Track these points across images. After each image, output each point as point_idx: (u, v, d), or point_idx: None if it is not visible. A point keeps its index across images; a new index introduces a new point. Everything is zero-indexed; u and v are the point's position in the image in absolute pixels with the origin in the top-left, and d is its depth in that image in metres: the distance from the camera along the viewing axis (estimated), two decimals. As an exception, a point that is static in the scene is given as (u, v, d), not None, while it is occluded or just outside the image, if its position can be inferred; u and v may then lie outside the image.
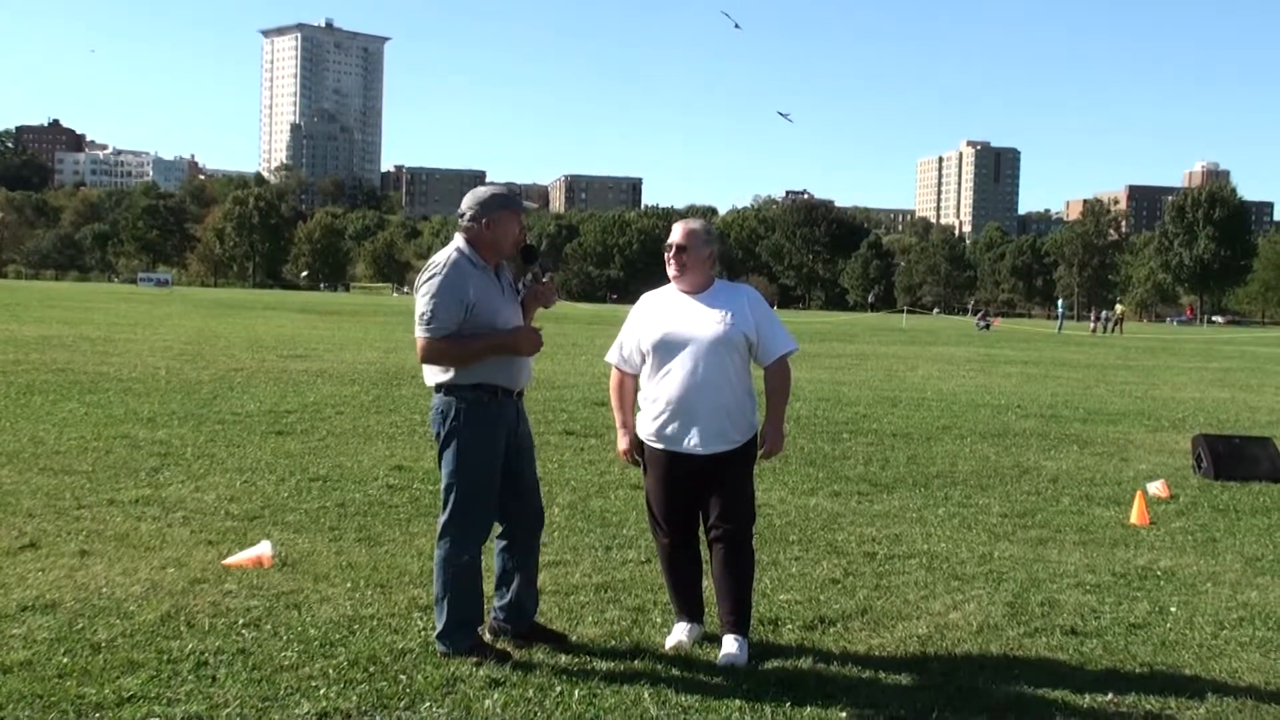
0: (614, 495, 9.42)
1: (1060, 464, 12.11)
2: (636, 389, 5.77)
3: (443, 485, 5.43)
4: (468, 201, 5.50)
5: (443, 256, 5.39)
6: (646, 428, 5.68)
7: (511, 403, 5.53)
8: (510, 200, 5.55)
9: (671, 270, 5.64)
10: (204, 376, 17.78)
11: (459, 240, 5.47)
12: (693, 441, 5.53)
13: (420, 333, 5.30)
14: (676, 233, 5.66)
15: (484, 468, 5.39)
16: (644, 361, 5.68)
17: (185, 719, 4.52)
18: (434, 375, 5.42)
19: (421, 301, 5.31)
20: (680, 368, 5.53)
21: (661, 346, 5.58)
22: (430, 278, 5.33)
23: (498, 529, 5.61)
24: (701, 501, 5.64)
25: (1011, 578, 7.22)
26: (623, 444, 5.79)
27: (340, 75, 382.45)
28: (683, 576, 5.77)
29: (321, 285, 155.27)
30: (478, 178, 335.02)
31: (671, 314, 5.61)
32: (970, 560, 7.66)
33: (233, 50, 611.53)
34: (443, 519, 5.42)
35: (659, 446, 5.65)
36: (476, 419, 5.36)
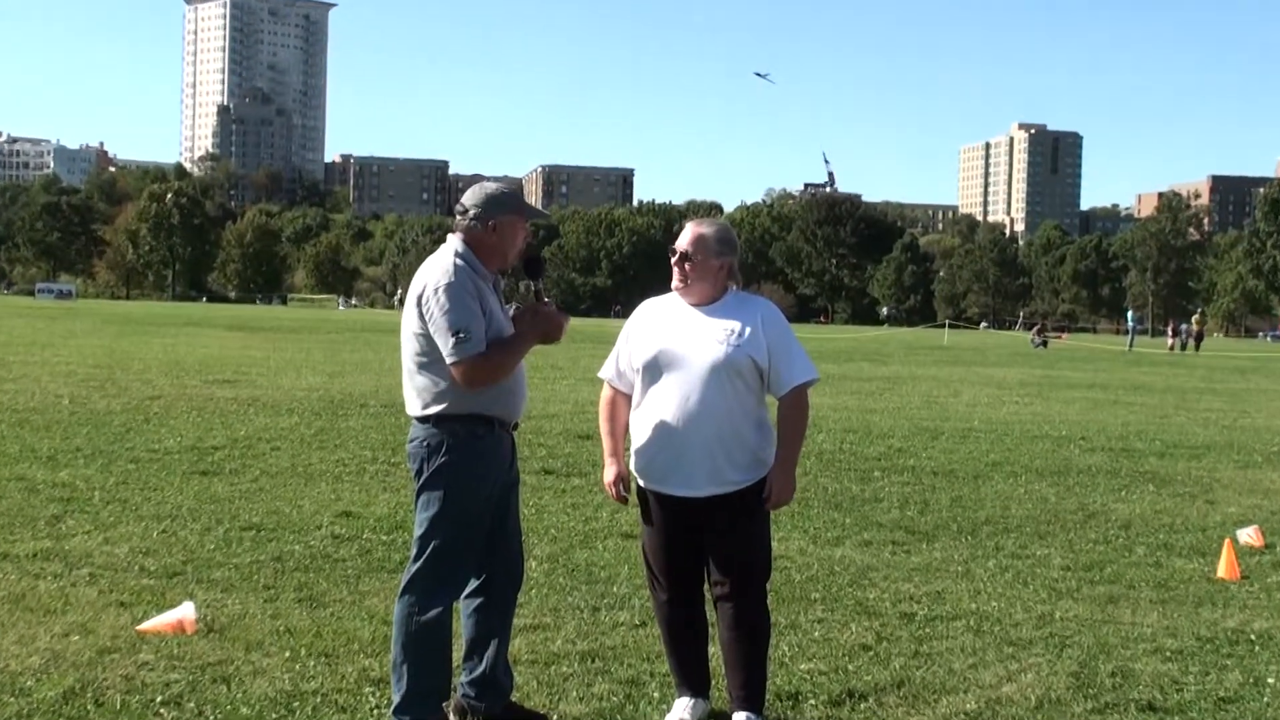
0: (602, 546, 9.40)
1: (1133, 507, 12.11)
2: (631, 409, 5.77)
3: (419, 531, 5.44)
4: (473, 197, 5.52)
5: (443, 263, 5.38)
6: (635, 462, 5.68)
7: (508, 436, 5.56)
8: (523, 204, 5.60)
9: (675, 279, 5.64)
10: (114, 406, 17.75)
11: (455, 242, 5.48)
12: (681, 482, 5.53)
13: (461, 354, 5.22)
14: (685, 237, 5.66)
15: (472, 512, 5.40)
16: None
17: (92, 816, 4.49)
18: (423, 404, 5.41)
19: (443, 320, 5.24)
20: (671, 392, 5.52)
21: (653, 366, 5.57)
22: (440, 290, 5.28)
23: (470, 585, 5.61)
24: (705, 553, 5.64)
25: (1076, 643, 7.21)
26: (608, 474, 5.78)
27: (276, 49, 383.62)
28: (685, 642, 5.76)
29: (258, 298, 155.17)
30: (439, 169, 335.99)
31: (669, 328, 5.61)
32: (1027, 622, 7.65)
33: (149, 20, 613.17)
34: (412, 569, 5.43)
35: (647, 485, 5.65)
36: (469, 455, 5.38)
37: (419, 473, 5.44)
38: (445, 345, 5.25)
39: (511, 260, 5.54)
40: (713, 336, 5.51)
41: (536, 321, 5.48)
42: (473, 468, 5.38)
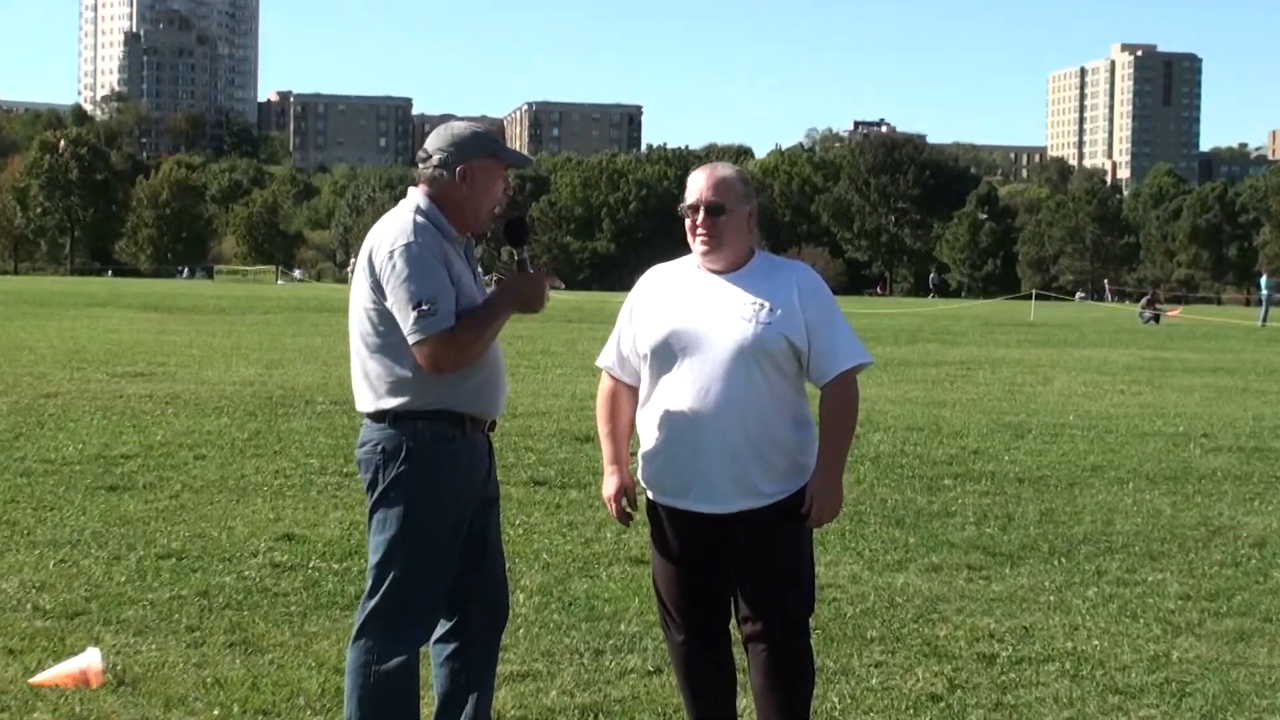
0: (606, 574, 9.42)
1: (1269, 520, 12.10)
2: (637, 405, 5.77)
3: (374, 558, 5.47)
4: (437, 140, 5.56)
5: (400, 221, 5.41)
6: (643, 471, 5.68)
7: (484, 439, 5.58)
8: (500, 147, 5.62)
9: (700, 241, 5.61)
10: (0, 406, 17.78)
11: (418, 196, 5.51)
12: (701, 495, 5.54)
13: (425, 331, 5.26)
14: (700, 184, 5.63)
15: (440, 534, 5.43)
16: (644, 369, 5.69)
17: None
18: (377, 396, 5.44)
19: (403, 290, 5.28)
20: (687, 384, 5.53)
21: (664, 350, 5.57)
22: (397, 254, 5.31)
23: (442, 626, 5.62)
24: (732, 583, 5.64)
25: (1199, 690, 7.22)
26: (609, 487, 5.80)
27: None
28: (707, 692, 5.78)
29: (177, 271, 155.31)
30: (400, 109, 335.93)
31: (683, 302, 5.60)
32: (1136, 665, 7.66)
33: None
34: (368, 605, 5.45)
35: (659, 500, 5.65)
36: (435, 462, 5.40)
37: (373, 485, 5.44)
38: (406, 321, 5.26)
39: (487, 218, 5.55)
40: (737, 312, 5.50)
41: (511, 285, 5.48)
42: (440, 478, 5.38)
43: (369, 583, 5.47)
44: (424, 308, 5.25)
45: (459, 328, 5.30)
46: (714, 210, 5.57)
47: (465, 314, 5.34)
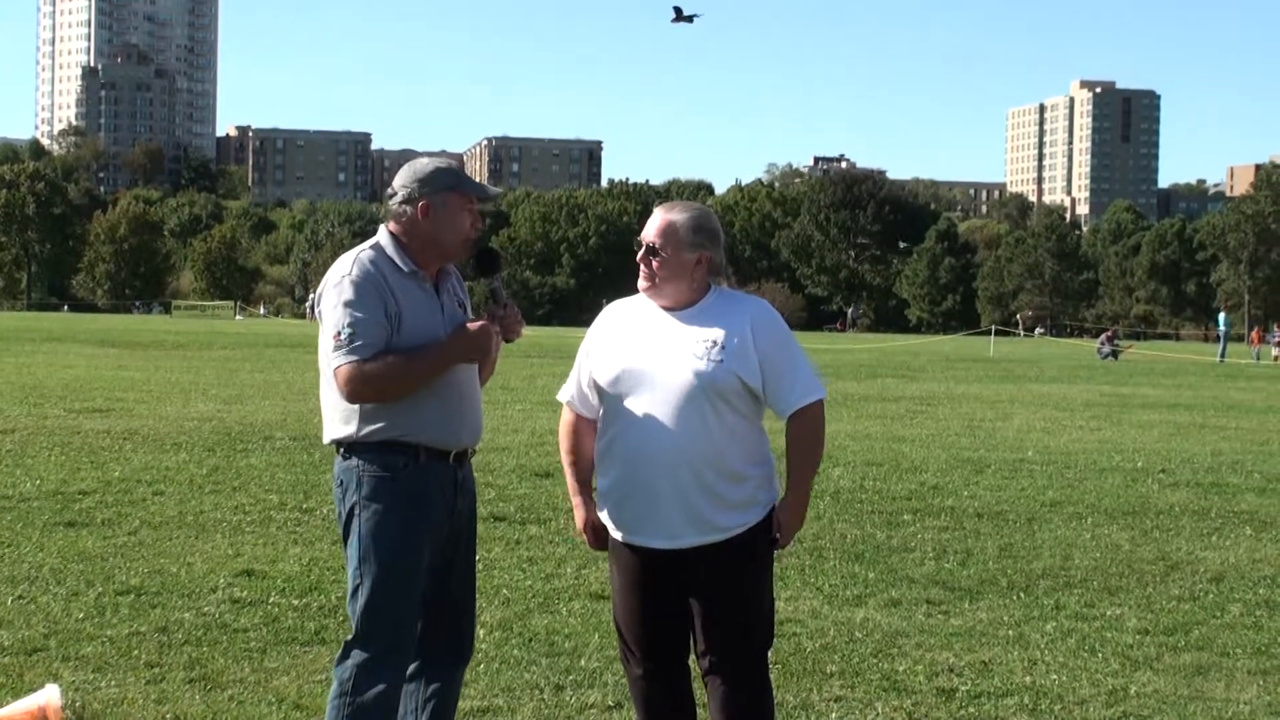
0: (566, 609, 9.43)
1: (1226, 555, 12.16)
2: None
3: (348, 587, 5.54)
4: (401, 177, 5.64)
5: (347, 257, 5.54)
6: (600, 507, 5.72)
7: (445, 469, 5.62)
8: (460, 179, 5.68)
9: (641, 279, 5.67)
10: (-44, 442, 17.70)
11: (381, 234, 5.62)
12: (657, 531, 5.58)
13: (340, 359, 5.37)
14: (650, 225, 5.69)
15: (397, 561, 5.47)
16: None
17: None
18: (331, 426, 5.54)
19: (328, 319, 5.42)
20: (638, 422, 5.57)
21: (616, 387, 5.62)
22: (332, 287, 5.45)
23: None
24: (691, 615, 5.68)
25: (1155, 723, 7.25)
26: (579, 517, 5.85)
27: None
28: (666, 727, 5.79)
29: (134, 306, 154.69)
30: (359, 144, 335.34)
31: (635, 339, 5.65)
32: (1095, 699, 7.70)
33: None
34: (348, 635, 5.55)
35: (617, 535, 5.70)
36: (385, 491, 5.45)
37: (339, 517, 5.54)
38: (327, 346, 5.39)
39: (456, 250, 5.60)
40: (688, 349, 5.54)
41: (458, 336, 5.54)
42: (393, 508, 5.44)
43: (349, 609, 5.59)
44: (340, 337, 5.37)
45: (376, 361, 5.37)
46: (651, 251, 5.63)
47: (397, 350, 5.42)
